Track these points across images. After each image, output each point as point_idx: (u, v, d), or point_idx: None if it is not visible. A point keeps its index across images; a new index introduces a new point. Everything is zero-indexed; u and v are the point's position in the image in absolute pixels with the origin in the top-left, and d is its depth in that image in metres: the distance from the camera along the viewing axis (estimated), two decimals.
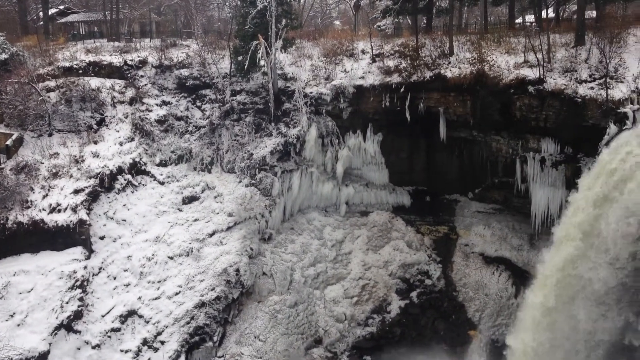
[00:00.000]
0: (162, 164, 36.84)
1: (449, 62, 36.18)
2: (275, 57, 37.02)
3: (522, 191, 34.33)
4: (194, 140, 37.86)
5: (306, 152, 37.18)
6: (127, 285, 30.18)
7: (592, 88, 29.26)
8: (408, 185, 39.97)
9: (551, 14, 51.77)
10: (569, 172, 30.62)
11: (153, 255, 31.50)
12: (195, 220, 33.74)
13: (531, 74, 31.83)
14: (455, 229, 37.36)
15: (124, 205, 33.56)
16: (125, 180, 34.30)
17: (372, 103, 37.68)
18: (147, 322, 28.96)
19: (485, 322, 32.40)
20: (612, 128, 27.02)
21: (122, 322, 28.66)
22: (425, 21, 50.60)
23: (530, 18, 56.67)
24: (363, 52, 41.01)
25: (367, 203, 38.84)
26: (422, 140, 39.40)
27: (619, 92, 28.00)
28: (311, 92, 37.85)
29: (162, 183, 35.78)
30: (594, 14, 43.24)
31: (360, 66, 38.93)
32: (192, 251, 31.86)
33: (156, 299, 29.82)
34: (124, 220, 32.88)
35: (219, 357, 29.16)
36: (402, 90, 36.51)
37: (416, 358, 30.63)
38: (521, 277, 32.62)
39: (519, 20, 56.41)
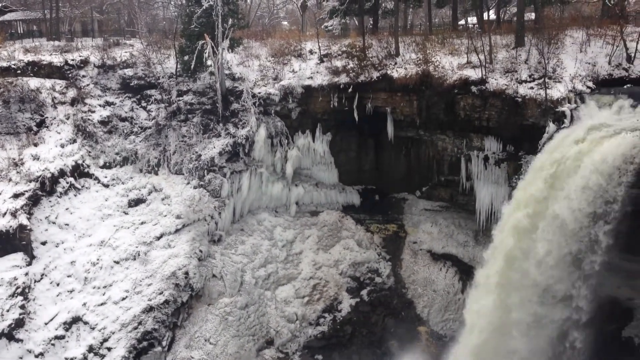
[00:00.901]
0: (107, 166, 35.88)
1: (395, 63, 36.76)
2: (222, 57, 36.66)
3: (467, 189, 35.29)
4: (140, 142, 37.03)
5: (255, 153, 36.97)
6: (71, 291, 29.28)
7: (531, 88, 30.30)
8: (357, 184, 40.38)
9: (492, 16, 53.30)
10: (511, 170, 31.63)
11: (98, 260, 30.65)
12: (142, 223, 33.02)
13: (474, 74, 32.71)
14: (404, 227, 37.98)
15: (67, 209, 32.52)
16: (67, 183, 33.23)
17: (320, 103, 37.87)
18: (93, 328, 28.16)
19: (434, 318, 33.09)
20: (551, 126, 28.11)
21: (67, 330, 27.81)
22: (371, 22, 51.21)
23: (472, 20, 58.25)
24: (311, 52, 41.15)
25: (317, 203, 38.98)
26: (371, 140, 39.95)
27: (557, 91, 29.11)
28: (259, 93, 37.67)
29: (106, 186, 34.84)
30: (533, 16, 44.79)
31: (309, 66, 39.05)
32: (139, 255, 31.17)
33: (102, 304, 29.02)
34: (67, 225, 31.87)
35: None
36: (350, 90, 36.85)
37: (367, 355, 30.97)
38: (467, 272, 33.45)
39: (462, 22, 57.90)
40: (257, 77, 39.02)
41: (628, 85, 29.26)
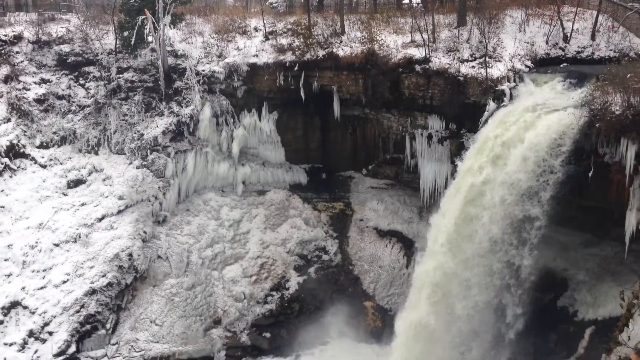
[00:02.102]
0: (44, 146, 34.54)
1: (341, 41, 36.72)
2: (164, 33, 35.67)
3: (412, 166, 35.84)
4: (78, 121, 35.77)
5: (200, 132, 36.36)
6: (9, 275, 28.35)
7: (473, 67, 30.89)
8: (304, 163, 40.39)
9: None
10: (453, 148, 32.30)
11: (37, 242, 29.71)
12: (83, 204, 32.10)
13: (418, 53, 33.05)
14: (351, 204, 38.36)
15: (2, 191, 31.30)
16: (2, 164, 31.94)
17: (266, 81, 37.47)
18: (33, 312, 27.44)
19: (380, 293, 33.77)
20: (492, 105, 28.83)
21: (5, 315, 27.03)
22: None
23: None
24: (256, 29, 40.56)
25: (264, 182, 38.80)
26: (317, 119, 39.92)
27: (497, 70, 29.79)
28: (204, 70, 36.92)
29: (44, 166, 33.60)
30: None
31: (254, 44, 38.51)
32: (79, 237, 30.35)
33: (42, 288, 28.24)
34: (3, 207, 30.71)
35: (113, 344, 28.19)
36: (296, 68, 36.59)
37: (314, 331, 31.37)
38: (412, 248, 34.25)
39: (406, 0, 58.19)
40: (200, 54, 38.19)
41: (564, 64, 30.28)
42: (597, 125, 22.96)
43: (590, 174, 24.12)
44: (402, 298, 32.10)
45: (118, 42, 38.10)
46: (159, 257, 31.80)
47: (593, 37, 31.61)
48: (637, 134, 22.18)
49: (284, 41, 37.87)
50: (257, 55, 37.49)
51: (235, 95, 37.57)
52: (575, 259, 28.63)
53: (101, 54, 38.09)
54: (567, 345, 25.56)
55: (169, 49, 37.45)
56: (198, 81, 36.50)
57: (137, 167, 33.85)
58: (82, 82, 37.73)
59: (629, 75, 22.88)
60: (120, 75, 37.27)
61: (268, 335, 31.42)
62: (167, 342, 29.13)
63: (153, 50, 37.27)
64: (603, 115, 22.64)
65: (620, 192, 23.71)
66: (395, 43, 34.80)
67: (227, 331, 31.05)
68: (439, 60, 32.15)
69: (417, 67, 32.65)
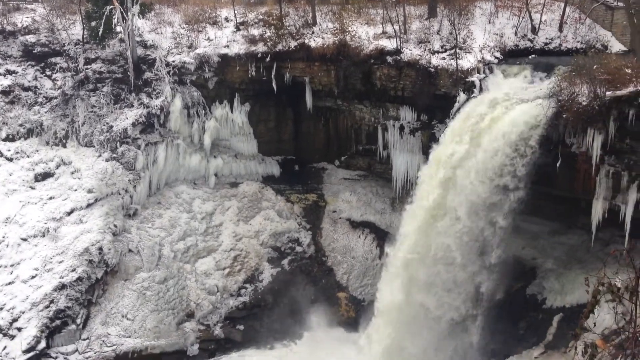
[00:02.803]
0: (10, 138, 33.75)
1: (313, 32, 36.58)
2: (132, 23, 35.04)
3: (384, 157, 35.99)
4: (45, 113, 35.00)
5: (171, 124, 35.89)
6: None
7: (443, 58, 31.12)
8: (277, 155, 40.23)
9: None
10: (425, 139, 32.55)
11: (4, 237, 29.15)
12: (51, 198, 31.51)
13: (389, 44, 33.13)
14: (324, 196, 38.39)
15: None
16: None
17: (238, 73, 37.15)
18: (1, 309, 27.03)
19: (353, 284, 33.95)
20: (462, 96, 29.11)
21: None
22: None
23: None
24: (227, 20, 40.11)
25: (237, 174, 38.55)
26: (290, 110, 39.77)
27: (467, 62, 30.06)
28: (174, 61, 36.41)
29: (10, 159, 32.84)
30: None
31: (225, 34, 38.09)
32: (48, 231, 29.82)
33: (10, 284, 27.73)
34: None
35: (84, 339, 27.84)
36: (267, 59, 36.33)
37: (288, 323, 31.44)
38: (384, 238, 34.48)
39: None
40: (170, 44, 37.64)
41: (532, 55, 30.72)
42: (564, 116, 23.38)
43: (558, 164, 24.59)
44: (375, 289, 32.32)
45: (85, 33, 37.32)
46: (130, 250, 31.42)
47: (560, 29, 32.11)
48: (603, 125, 22.67)
49: (255, 32, 37.58)
50: (228, 46, 37.12)
51: (207, 87, 37.17)
52: (544, 248, 29.19)
53: (68, 44, 37.28)
54: (535, 332, 26.08)
55: (138, 39, 36.83)
56: (168, 72, 35.99)
57: (107, 160, 33.30)
58: (48, 73, 36.89)
59: (595, 66, 23.33)
60: (88, 67, 36.53)
61: (242, 327, 31.37)
62: (139, 337, 28.87)
63: (122, 40, 36.58)
64: (570, 106, 23.06)
65: (587, 182, 24.26)
66: (366, 34, 34.82)
67: (200, 324, 30.89)
68: (410, 52, 32.29)
69: (389, 59, 32.74)
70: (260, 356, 29.94)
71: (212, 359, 29.84)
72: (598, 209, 23.85)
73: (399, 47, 32.62)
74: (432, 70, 30.89)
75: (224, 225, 35.46)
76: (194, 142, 37.03)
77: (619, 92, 22.12)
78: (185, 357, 29.43)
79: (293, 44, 36.05)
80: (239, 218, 35.93)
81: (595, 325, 9.06)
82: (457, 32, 30.93)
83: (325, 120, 39.13)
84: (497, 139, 25.00)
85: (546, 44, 31.79)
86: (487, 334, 27.14)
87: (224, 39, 37.65)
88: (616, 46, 30.90)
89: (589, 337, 12.16)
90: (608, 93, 22.32)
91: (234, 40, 37.52)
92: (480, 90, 28.78)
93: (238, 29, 38.56)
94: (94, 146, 34.13)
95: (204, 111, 37.03)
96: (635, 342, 8.20)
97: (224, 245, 34.42)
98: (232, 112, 38.07)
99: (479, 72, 29.50)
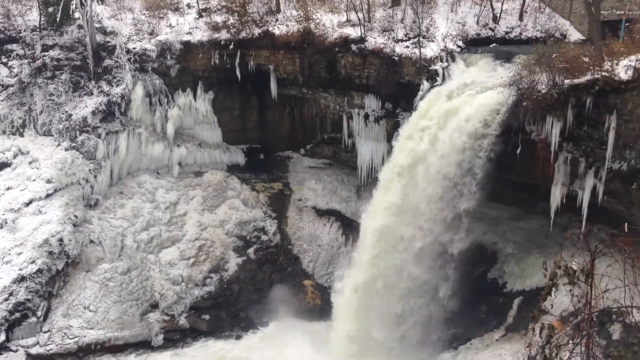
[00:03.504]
0: None
1: (277, 20, 36.27)
2: (91, 9, 34.13)
3: (349, 146, 36.09)
4: (1, 101, 33.79)
5: (133, 112, 35.19)
6: None
7: (407, 47, 31.30)
8: (242, 143, 39.90)
9: None
10: (389, 127, 32.77)
11: None
12: (8, 188, 30.64)
13: (353, 33, 33.14)
14: (289, 184, 38.32)
15: None
16: None
17: (201, 60, 36.62)
18: None
19: (319, 271, 34.12)
20: (425, 84, 29.42)
21: None
22: None
23: None
24: (189, 6, 39.36)
25: (201, 163, 38.11)
26: (254, 98, 39.42)
27: (430, 50, 30.35)
28: (135, 48, 35.63)
29: None
30: None
31: (187, 21, 37.42)
32: (6, 222, 29.02)
33: None
34: None
35: (45, 332, 27.30)
36: (231, 47, 35.92)
37: (254, 311, 31.43)
38: (350, 226, 34.71)
39: None
40: (131, 31, 36.78)
41: (494, 44, 31.20)
42: (524, 104, 23.85)
43: (518, 151, 25.10)
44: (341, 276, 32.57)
45: (42, 19, 36.18)
46: (91, 241, 30.83)
47: (521, 18, 32.66)
48: (561, 112, 23.22)
49: (218, 19, 37.04)
50: (190, 33, 36.51)
51: (169, 74, 36.55)
52: (505, 233, 29.86)
53: (24, 30, 36.06)
54: (497, 316, 26.73)
55: (97, 25, 35.90)
56: (129, 59, 35.23)
57: (66, 149, 32.48)
58: (4, 60, 35.66)
59: (554, 55, 23.81)
60: (46, 54, 35.43)
61: (207, 317, 31.19)
62: (102, 328, 28.46)
63: (80, 27, 35.60)
64: (530, 94, 23.51)
65: (546, 168, 24.86)
66: (331, 22, 34.74)
67: (164, 315, 30.60)
68: (375, 40, 32.36)
69: (353, 47, 32.76)
70: (225, 345, 29.86)
71: (177, 349, 29.59)
72: (557, 195, 24.48)
73: (363, 36, 32.66)
74: (396, 58, 31.04)
75: (188, 215, 35.08)
76: (157, 130, 36.41)
77: (576, 81, 22.66)
78: (149, 348, 29.14)
79: (257, 31, 35.70)
80: (204, 207, 35.60)
81: (552, 307, 9.30)
82: (421, 21, 31.14)
83: (291, 108, 38.96)
84: (459, 127, 25.35)
85: (507, 32, 32.30)
86: (449, 318, 27.66)
87: (186, 26, 37.02)
88: (574, 35, 31.62)
89: (548, 319, 12.50)
90: (566, 81, 22.83)
91: (196, 27, 36.94)
92: (443, 78, 29.12)
93: (200, 16, 37.95)
94: (52, 135, 33.25)
95: (166, 99, 36.40)
96: (591, 323, 8.47)
97: (188, 235, 34.08)
98: (195, 100, 37.54)
99: (442, 61, 29.81)
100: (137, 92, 34.92)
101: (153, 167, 36.33)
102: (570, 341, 8.41)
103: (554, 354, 8.00)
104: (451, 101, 26.37)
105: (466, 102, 25.67)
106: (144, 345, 29.10)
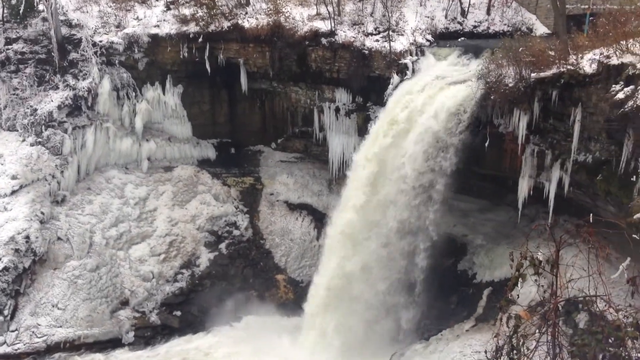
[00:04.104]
0: None
1: (246, 13, 35.98)
2: (55, 2, 33.34)
3: (320, 139, 36.15)
4: None
5: (100, 106, 34.54)
6: None
7: (377, 41, 31.43)
8: (212, 138, 39.55)
9: None
10: (360, 120, 32.89)
11: None
12: None
13: (324, 26, 33.10)
14: (261, 179, 38.18)
15: None
16: None
17: (169, 53, 36.12)
18: None
19: (291, 266, 34.13)
20: (395, 78, 29.60)
21: None
22: None
23: None
24: None
25: (171, 158, 37.66)
26: (225, 92, 39.07)
27: (400, 44, 30.52)
28: (101, 41, 34.93)
29: None
30: None
31: (154, 14, 36.82)
32: None
33: None
34: None
35: (12, 331, 26.76)
36: (200, 40, 35.51)
37: (226, 306, 31.29)
38: (322, 220, 34.77)
39: None
40: (97, 24, 36.03)
41: (462, 38, 31.53)
42: (492, 97, 24.17)
43: (486, 144, 25.45)
44: (312, 270, 32.64)
45: (5, 11, 35.17)
46: (59, 238, 30.26)
47: (488, 12, 33.06)
48: (528, 105, 23.60)
49: (186, 11, 36.55)
50: (158, 26, 35.95)
51: (137, 68, 35.96)
52: (474, 225, 30.29)
53: None
54: (467, 306, 27.10)
55: (62, 18, 35.08)
56: (95, 52, 34.55)
57: (31, 145, 31.75)
58: None
59: (521, 49, 24.16)
60: (9, 47, 34.47)
61: (179, 313, 30.97)
62: (71, 326, 28.02)
63: (45, 19, 34.75)
64: (497, 88, 23.85)
65: (514, 161, 25.28)
66: (301, 15, 34.63)
67: (135, 312, 30.27)
68: (345, 34, 32.39)
69: (324, 40, 32.74)
70: (198, 341, 29.68)
71: (148, 346, 29.31)
72: (524, 187, 24.92)
73: (333, 29, 32.65)
74: (366, 52, 31.13)
75: (158, 211, 34.69)
76: (125, 125, 35.84)
77: (542, 74, 23.04)
78: (120, 345, 28.82)
79: (226, 24, 35.36)
80: (174, 203, 35.24)
81: (519, 297, 9.49)
82: (390, 15, 31.27)
83: (261, 102, 38.77)
84: (429, 120, 25.57)
85: (475, 26, 32.68)
86: (420, 310, 27.97)
87: (153, 19, 36.44)
88: (540, 29, 32.16)
89: (516, 309, 12.73)
90: (533, 75, 23.21)
91: (164, 20, 36.40)
92: (413, 72, 29.34)
93: (168, 8, 37.39)
94: (17, 130, 32.45)
95: (134, 93, 35.82)
96: (556, 312, 8.64)
97: (158, 231, 33.71)
98: (164, 94, 37.01)
99: (411, 55, 30.02)
100: (104, 86, 34.30)
101: (121, 162, 35.78)
102: (537, 330, 8.57)
103: (520, 344, 8.15)
104: (421, 95, 26.55)
105: (436, 96, 25.89)
106: (115, 342, 28.78)
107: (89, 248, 30.85)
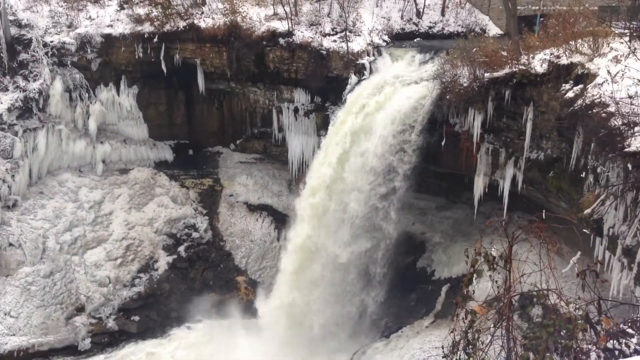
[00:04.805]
0: None
1: (202, 12, 35.54)
2: (4, 1, 32.27)
3: (280, 140, 36.04)
4: None
5: (52, 108, 33.56)
6: None
7: (335, 41, 31.53)
8: (169, 139, 38.94)
9: None
10: (319, 120, 32.95)
11: None
12: None
13: (281, 26, 33.01)
14: (220, 180, 37.81)
15: None
16: None
17: (124, 54, 35.37)
18: None
19: (252, 267, 33.93)
20: (353, 78, 29.77)
21: None
22: None
23: None
24: None
25: (127, 160, 36.89)
26: (182, 93, 38.53)
27: (357, 45, 30.71)
28: (52, 42, 33.96)
29: None
30: None
31: (107, 13, 36.00)
32: None
33: None
34: None
35: None
36: (155, 40, 34.86)
37: (185, 310, 30.90)
38: (282, 220, 34.70)
39: None
40: (48, 24, 34.99)
41: (418, 38, 31.96)
42: (447, 97, 24.58)
43: (443, 143, 25.86)
44: (273, 271, 32.55)
45: None
46: (10, 244, 29.30)
47: (443, 13, 33.61)
48: (482, 105, 24.09)
49: (141, 11, 35.85)
50: (112, 26, 35.15)
51: (90, 69, 35.09)
52: (432, 223, 30.76)
53: None
54: (426, 304, 27.51)
55: (11, 18, 33.92)
56: (46, 53, 33.57)
57: None
58: None
59: (474, 49, 24.65)
60: None
61: (137, 318, 30.43)
62: (24, 334, 27.20)
63: None
64: (453, 88, 24.28)
65: (469, 159, 25.77)
66: (258, 15, 34.44)
67: (91, 318, 29.60)
68: (302, 34, 32.38)
69: (281, 41, 32.64)
70: (156, 347, 29.23)
71: (105, 352, 28.71)
72: (479, 185, 25.44)
73: (291, 29, 32.60)
74: (324, 52, 31.21)
75: (114, 214, 33.97)
76: (78, 127, 34.95)
77: (496, 74, 23.57)
78: (77, 353, 28.16)
79: (182, 24, 34.86)
80: (131, 206, 34.57)
81: (474, 293, 9.64)
82: (347, 15, 31.44)
83: (219, 103, 38.41)
84: (386, 119, 25.83)
85: (430, 27, 33.18)
86: (381, 308, 28.24)
87: (107, 18, 35.62)
88: (493, 30, 32.90)
89: (472, 305, 12.99)
90: (486, 75, 23.72)
91: (117, 20, 35.61)
92: (371, 72, 29.57)
93: (122, 8, 36.59)
94: None
95: (87, 94, 34.95)
96: (510, 307, 8.82)
97: (115, 235, 33.02)
98: (119, 95, 36.24)
99: (368, 55, 30.26)
100: (56, 87, 33.36)
101: (75, 165, 34.87)
102: (492, 325, 8.73)
103: (476, 338, 8.28)
104: (378, 95, 26.79)
105: (392, 96, 26.16)
106: (71, 350, 28.14)
107: (42, 254, 29.98)
